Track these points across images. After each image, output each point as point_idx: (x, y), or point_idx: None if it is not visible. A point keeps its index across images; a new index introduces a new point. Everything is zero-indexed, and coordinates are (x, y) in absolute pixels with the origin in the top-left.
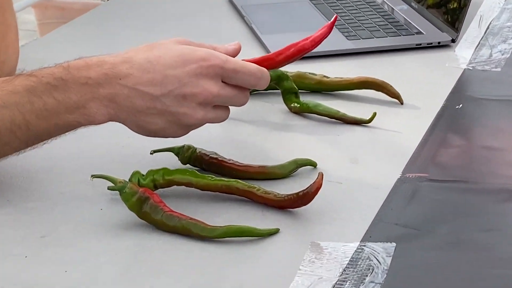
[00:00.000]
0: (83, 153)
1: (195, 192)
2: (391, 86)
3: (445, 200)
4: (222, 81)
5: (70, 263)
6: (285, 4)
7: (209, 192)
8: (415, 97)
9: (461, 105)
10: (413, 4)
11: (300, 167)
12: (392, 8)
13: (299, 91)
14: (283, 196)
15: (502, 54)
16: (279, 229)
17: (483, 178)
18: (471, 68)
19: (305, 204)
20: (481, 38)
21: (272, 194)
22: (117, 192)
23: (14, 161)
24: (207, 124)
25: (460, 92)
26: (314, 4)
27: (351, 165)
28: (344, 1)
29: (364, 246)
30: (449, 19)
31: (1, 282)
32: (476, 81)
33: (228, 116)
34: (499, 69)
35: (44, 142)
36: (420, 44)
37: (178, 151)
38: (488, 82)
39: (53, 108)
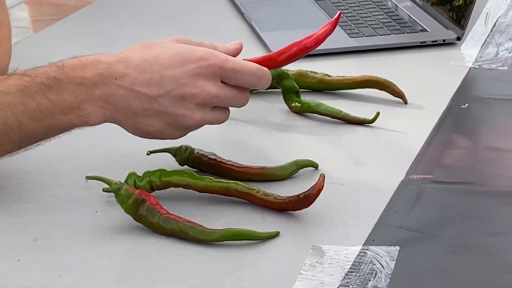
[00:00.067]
0: (78, 154)
1: (193, 194)
2: (394, 85)
3: (450, 203)
4: (222, 81)
5: (64, 267)
6: (285, 1)
7: (207, 194)
8: (420, 96)
9: (466, 105)
10: (417, 0)
11: (301, 168)
12: (396, 4)
13: (300, 90)
14: (283, 198)
15: (509, 52)
16: (279, 232)
17: (490, 180)
18: (477, 67)
19: (306, 207)
20: (488, 36)
21: (272, 196)
22: (113, 194)
23: (7, 162)
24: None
25: (465, 92)
26: (315, 0)
27: (353, 166)
28: None
29: (367, 249)
30: (455, 16)
31: None
32: (482, 80)
33: (228, 117)
34: (505, 68)
35: (38, 143)
36: (425, 42)
37: (175, 152)
38: (494, 81)
39: (46, 109)
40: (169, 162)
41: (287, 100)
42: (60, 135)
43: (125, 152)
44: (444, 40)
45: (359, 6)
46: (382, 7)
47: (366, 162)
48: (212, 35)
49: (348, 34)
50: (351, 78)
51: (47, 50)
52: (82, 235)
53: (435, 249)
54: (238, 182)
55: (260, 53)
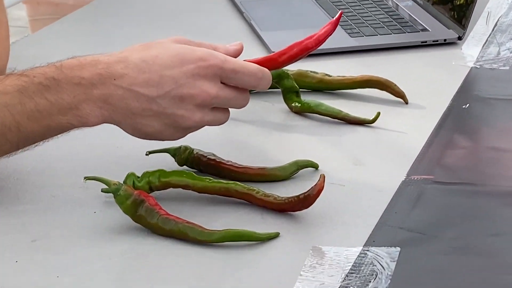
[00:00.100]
0: (76, 155)
1: (192, 195)
2: (395, 85)
3: (451, 203)
4: (221, 82)
5: (62, 268)
6: (285, 0)
7: (206, 194)
8: (420, 96)
9: (468, 105)
10: (418, 0)
11: (301, 169)
12: (397, 4)
13: (300, 90)
14: (283, 199)
15: (511, 52)
16: (279, 233)
17: (491, 181)
18: (478, 67)
19: (306, 207)
20: (489, 36)
21: (272, 196)
22: (111, 194)
23: (5, 162)
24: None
25: (467, 91)
26: None
27: (354, 166)
28: None
29: (368, 250)
30: (456, 16)
31: None
32: (483, 80)
33: (228, 118)
34: (507, 68)
35: (36, 144)
36: (426, 42)
37: (174, 152)
38: (496, 81)
39: (45, 109)
40: (168, 163)
41: (287, 100)
42: (59, 135)
43: (123, 152)
44: (445, 40)
45: (360, 5)
46: (382, 6)
47: (366, 162)
48: (211, 34)
49: (349, 33)
50: (352, 78)
51: (45, 49)
52: (81, 236)
53: (436, 250)
54: (237, 182)
55: (260, 53)
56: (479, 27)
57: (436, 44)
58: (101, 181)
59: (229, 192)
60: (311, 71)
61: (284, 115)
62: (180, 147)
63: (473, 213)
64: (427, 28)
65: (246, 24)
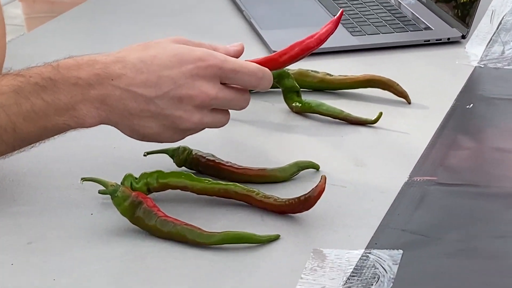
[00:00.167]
0: (73, 156)
1: (190, 196)
2: (398, 84)
3: (454, 205)
4: (221, 83)
5: (59, 271)
6: None
7: (205, 196)
8: (423, 96)
9: (471, 105)
10: None
11: (302, 170)
12: (399, 2)
13: (301, 89)
14: (283, 200)
15: None
16: (279, 236)
17: (495, 182)
18: (482, 66)
19: (307, 209)
20: (493, 34)
21: (272, 198)
22: (109, 196)
23: (0, 164)
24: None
25: (470, 91)
26: None
27: (355, 168)
28: None
29: (369, 253)
30: (459, 14)
31: None
32: (487, 79)
33: (228, 120)
34: (511, 67)
35: (32, 145)
36: (429, 40)
37: (173, 153)
38: (500, 81)
39: (41, 110)
40: (166, 164)
41: (287, 100)
42: (55, 136)
43: (121, 153)
44: (448, 39)
45: (361, 3)
46: (385, 4)
47: (368, 163)
48: (210, 33)
49: (350, 32)
50: (353, 78)
51: (41, 48)
52: (78, 238)
53: (439, 252)
54: (237, 184)
55: (260, 52)
56: (483, 25)
57: (439, 43)
58: (98, 182)
59: (228, 193)
60: (312, 71)
61: (284, 115)
62: (178, 148)
63: (477, 215)
64: (430, 26)
65: (246, 22)
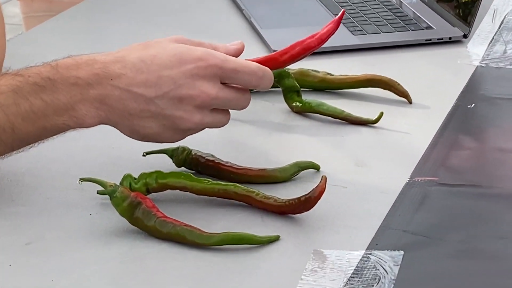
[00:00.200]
0: (71, 156)
1: (190, 197)
2: (399, 84)
3: (456, 206)
4: (221, 83)
5: (57, 272)
6: None
7: (205, 196)
8: (425, 96)
9: (473, 105)
10: None
11: (302, 170)
12: (401, 1)
13: (301, 89)
14: (284, 201)
15: None
16: (279, 236)
17: (497, 182)
18: (484, 65)
19: (307, 210)
20: (495, 34)
21: (272, 199)
22: (107, 196)
23: None
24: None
25: (472, 91)
26: None
27: (356, 168)
28: None
29: (370, 254)
30: (461, 13)
31: None
32: (489, 79)
33: (228, 120)
34: None
35: (31, 145)
36: (430, 40)
37: (172, 153)
38: (502, 80)
39: (40, 110)
40: (165, 164)
41: (287, 100)
42: (54, 136)
43: (120, 153)
44: (450, 38)
45: (362, 2)
46: (386, 3)
47: (369, 163)
48: (210, 32)
49: (351, 31)
50: (354, 77)
51: (40, 48)
52: (76, 239)
53: (440, 253)
54: (237, 184)
55: (260, 51)
56: (485, 25)
57: (441, 43)
58: (97, 183)
59: (228, 194)
60: (312, 70)
61: (284, 115)
62: (178, 148)
63: (479, 215)
64: (432, 26)
65: (246, 22)
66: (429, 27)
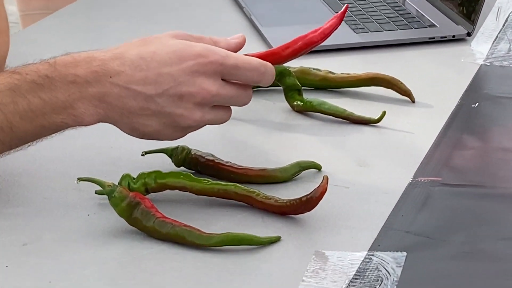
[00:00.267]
0: (69, 155)
1: (189, 197)
2: (401, 83)
3: (459, 206)
4: (222, 79)
5: (54, 273)
6: None
7: (205, 196)
8: (428, 95)
9: (477, 104)
10: None
11: (304, 170)
12: None
13: (303, 88)
14: (284, 201)
15: None
16: (280, 237)
17: (501, 183)
18: (488, 64)
19: (308, 210)
20: (499, 32)
21: (273, 199)
22: (106, 196)
23: None
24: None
25: (476, 90)
26: None
27: (358, 168)
28: None
29: (373, 255)
30: (465, 11)
31: None
32: (493, 77)
33: (230, 117)
34: None
35: (29, 144)
36: (433, 38)
37: (171, 153)
38: (506, 79)
39: (38, 109)
40: (165, 163)
41: (288, 99)
42: (52, 135)
43: (118, 153)
44: (453, 36)
45: (364, 0)
46: (388, 1)
47: (371, 163)
48: (210, 30)
49: (353, 29)
50: (356, 76)
51: (37, 46)
52: (74, 240)
53: (443, 254)
54: (237, 184)
55: (260, 49)
56: (489, 22)
57: (444, 41)
58: (95, 183)
59: (228, 194)
60: (313, 68)
61: (285, 114)
62: (177, 147)
63: (482, 216)
64: (435, 23)
65: (246, 19)
66: (432, 25)
